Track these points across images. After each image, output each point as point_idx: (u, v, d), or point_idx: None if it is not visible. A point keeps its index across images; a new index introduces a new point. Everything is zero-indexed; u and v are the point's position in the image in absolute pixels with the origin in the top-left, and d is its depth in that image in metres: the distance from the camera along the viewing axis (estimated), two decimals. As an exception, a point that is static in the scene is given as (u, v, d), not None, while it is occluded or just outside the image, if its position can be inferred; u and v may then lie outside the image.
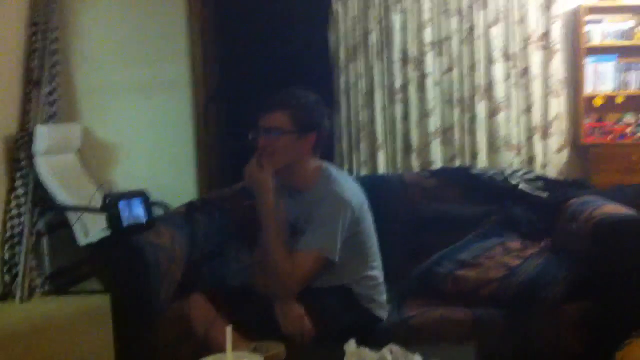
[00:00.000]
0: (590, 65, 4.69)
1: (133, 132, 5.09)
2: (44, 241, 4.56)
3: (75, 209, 4.36)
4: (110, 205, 2.55)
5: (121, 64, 5.04)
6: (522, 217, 2.82)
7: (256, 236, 2.31)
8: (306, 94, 2.30)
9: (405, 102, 4.72)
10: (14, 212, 4.48)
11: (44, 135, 4.51)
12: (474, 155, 4.69)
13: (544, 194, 2.90)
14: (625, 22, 4.71)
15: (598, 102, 4.69)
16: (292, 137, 2.24)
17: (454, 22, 4.67)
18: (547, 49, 4.67)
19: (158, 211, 3.23)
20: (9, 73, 4.69)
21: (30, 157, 4.51)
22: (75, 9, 5.01)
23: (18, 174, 4.54)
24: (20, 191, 4.51)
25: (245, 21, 6.24)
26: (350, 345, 1.70)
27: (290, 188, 2.35)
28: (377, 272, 2.36)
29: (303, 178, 2.31)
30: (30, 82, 4.76)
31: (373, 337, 2.22)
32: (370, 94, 4.74)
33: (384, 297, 2.37)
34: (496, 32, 4.66)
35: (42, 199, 4.53)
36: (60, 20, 4.96)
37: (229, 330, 1.54)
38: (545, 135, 4.69)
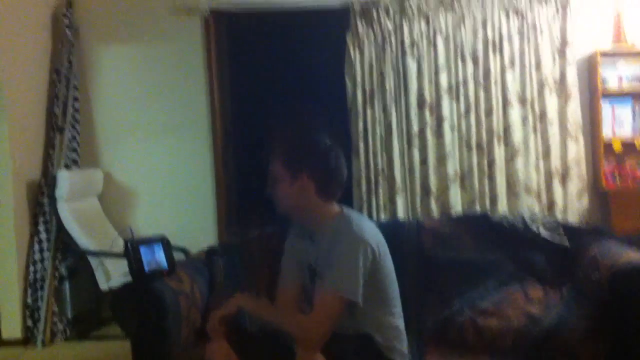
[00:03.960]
0: (607, 110, 4.70)
1: (153, 177, 5.13)
2: (66, 286, 4.60)
3: (98, 253, 4.38)
4: (132, 250, 2.57)
5: (141, 109, 5.12)
6: (542, 264, 2.81)
7: (272, 283, 2.32)
8: (297, 138, 2.32)
9: (423, 147, 4.74)
10: (37, 256, 4.51)
11: (66, 180, 4.55)
12: (493, 200, 4.69)
13: (565, 241, 2.89)
14: (640, 66, 4.72)
15: (618, 146, 4.67)
16: (287, 182, 2.26)
17: (469, 67, 4.73)
18: (564, 94, 4.70)
19: (177, 256, 3.25)
20: (32, 119, 4.78)
21: (52, 202, 4.55)
22: (96, 56, 5.11)
23: (41, 219, 4.59)
24: (42, 236, 4.55)
25: (262, 65, 6.34)
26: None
27: (309, 232, 2.36)
28: (399, 320, 2.34)
29: (319, 221, 2.31)
30: (53, 128, 4.85)
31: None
32: (388, 138, 4.77)
33: (405, 345, 2.35)
34: (512, 76, 4.71)
35: (64, 243, 4.58)
36: (81, 68, 5.08)
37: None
38: (564, 180, 4.69)
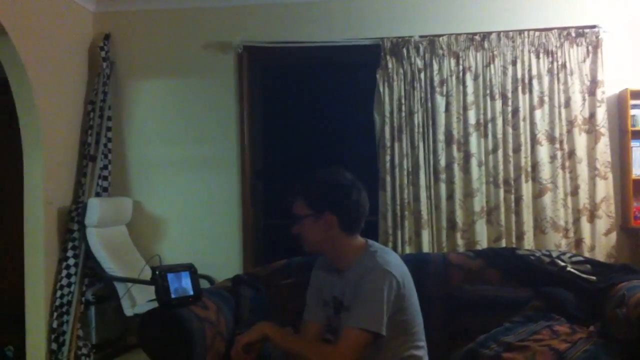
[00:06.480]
0: (637, 148, 4.67)
1: (181, 208, 5.19)
2: (92, 311, 4.64)
3: (125, 280, 4.43)
4: (160, 277, 2.60)
5: (172, 142, 5.20)
6: (569, 300, 2.78)
7: (297, 314, 2.33)
8: (318, 177, 2.37)
9: (450, 182, 4.74)
10: (64, 281, 4.57)
11: (96, 207, 4.63)
12: (519, 236, 4.66)
13: (592, 278, 2.86)
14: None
15: (647, 185, 4.63)
16: (311, 220, 2.30)
17: (498, 104, 4.74)
18: (593, 132, 4.68)
19: (203, 284, 3.27)
20: (66, 147, 4.89)
21: (82, 228, 4.63)
22: (130, 88, 5.23)
23: (70, 245, 4.65)
24: (71, 261, 4.62)
25: (293, 101, 6.42)
26: None
27: (336, 266, 2.38)
28: (423, 353, 2.34)
29: (345, 255, 2.34)
30: (86, 157, 4.94)
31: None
32: (415, 172, 4.78)
33: (429, 378, 2.34)
34: (541, 114, 4.71)
35: (91, 269, 4.64)
36: (116, 99, 5.19)
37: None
38: (592, 217, 4.65)
